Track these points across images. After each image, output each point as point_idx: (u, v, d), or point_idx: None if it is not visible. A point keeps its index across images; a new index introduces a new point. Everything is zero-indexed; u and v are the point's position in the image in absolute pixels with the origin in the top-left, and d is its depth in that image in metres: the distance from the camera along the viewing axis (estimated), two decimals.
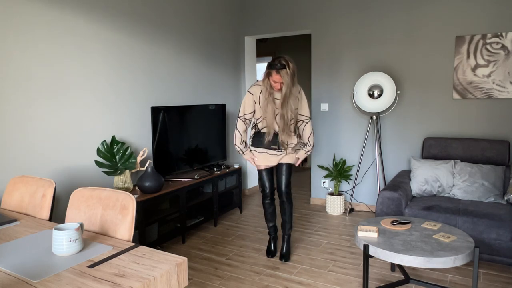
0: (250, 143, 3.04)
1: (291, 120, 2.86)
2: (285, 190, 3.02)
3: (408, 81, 3.99)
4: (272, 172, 3.08)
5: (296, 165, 3.03)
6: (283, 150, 2.94)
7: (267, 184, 3.05)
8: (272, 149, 2.93)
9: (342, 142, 4.44)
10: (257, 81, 2.96)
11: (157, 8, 3.63)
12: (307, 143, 2.98)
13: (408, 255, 2.06)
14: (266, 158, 2.97)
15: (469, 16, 3.65)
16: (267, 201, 3.10)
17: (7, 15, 2.47)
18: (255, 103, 2.90)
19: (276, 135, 2.89)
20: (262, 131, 2.95)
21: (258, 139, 2.96)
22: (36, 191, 1.97)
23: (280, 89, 2.79)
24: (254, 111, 2.93)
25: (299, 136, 3.03)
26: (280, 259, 3.13)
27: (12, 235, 1.60)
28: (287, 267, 2.94)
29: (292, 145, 2.97)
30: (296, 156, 2.99)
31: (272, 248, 3.17)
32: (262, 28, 4.84)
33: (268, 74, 2.77)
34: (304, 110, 2.94)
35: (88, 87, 3.02)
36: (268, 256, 3.12)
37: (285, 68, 2.67)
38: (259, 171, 3.05)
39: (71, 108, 2.90)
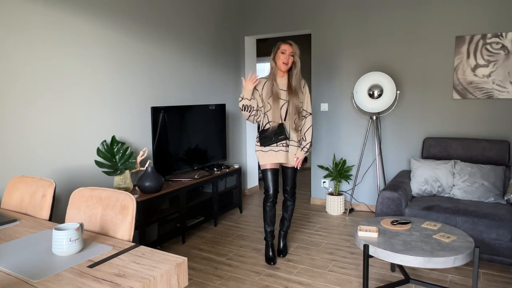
0: (258, 144, 2.96)
1: (299, 108, 2.92)
2: (291, 189, 3.07)
3: (408, 81, 3.99)
4: (277, 173, 3.00)
5: (295, 165, 2.98)
6: (290, 139, 2.92)
7: (271, 185, 2.95)
8: (280, 140, 2.88)
9: (342, 142, 4.44)
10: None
11: (157, 8, 3.63)
12: (303, 137, 2.97)
13: (408, 255, 2.06)
14: (273, 156, 2.91)
15: (469, 16, 3.65)
16: (268, 204, 2.97)
17: (7, 15, 2.47)
18: (259, 96, 2.92)
19: (281, 125, 2.88)
20: (265, 127, 2.94)
21: (264, 136, 2.91)
22: (36, 191, 1.97)
23: (286, 72, 2.91)
24: (261, 106, 2.93)
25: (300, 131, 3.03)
26: (278, 255, 3.13)
27: (12, 235, 1.60)
28: (287, 267, 2.94)
29: (295, 137, 2.95)
30: (295, 155, 2.97)
31: (271, 254, 3.03)
32: (262, 28, 4.84)
33: (276, 50, 2.89)
34: (307, 105, 2.98)
35: (88, 87, 3.02)
36: (270, 264, 2.99)
37: (295, 44, 2.89)
38: (264, 171, 2.96)
39: (71, 108, 2.90)
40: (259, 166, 5.64)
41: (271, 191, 2.96)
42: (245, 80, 2.84)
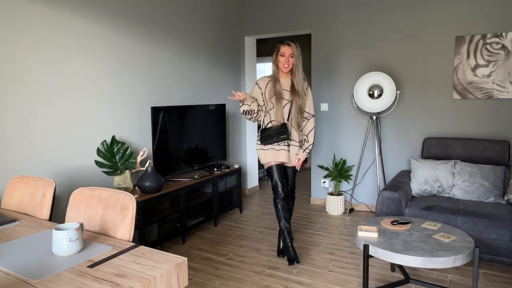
0: (259, 142, 2.97)
1: (302, 108, 2.93)
2: (291, 189, 3.08)
3: (408, 81, 3.99)
4: (282, 169, 2.97)
5: (297, 166, 3.00)
6: (292, 138, 2.92)
7: (279, 181, 2.88)
8: (281, 139, 2.87)
9: (342, 142, 4.44)
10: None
11: (157, 8, 3.63)
12: (305, 139, 2.98)
13: (408, 255, 2.06)
14: (274, 154, 2.91)
15: (469, 16, 3.65)
16: (279, 201, 2.88)
17: (7, 15, 2.47)
18: (262, 94, 2.94)
19: (283, 125, 2.88)
20: (267, 126, 2.94)
21: (266, 135, 2.91)
22: (36, 191, 1.97)
23: (289, 73, 2.91)
24: (262, 105, 2.95)
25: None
26: (278, 255, 3.11)
27: (12, 235, 1.60)
28: (287, 267, 2.94)
29: (297, 137, 2.95)
30: (297, 156, 2.98)
31: (293, 253, 2.86)
32: (262, 28, 4.84)
33: (277, 53, 2.90)
34: (309, 107, 2.99)
35: (88, 87, 3.02)
36: (293, 264, 2.84)
37: (294, 43, 2.88)
38: (269, 168, 2.92)
39: (71, 108, 2.90)
40: (259, 166, 5.66)
41: (280, 188, 2.90)
42: (236, 94, 2.73)
